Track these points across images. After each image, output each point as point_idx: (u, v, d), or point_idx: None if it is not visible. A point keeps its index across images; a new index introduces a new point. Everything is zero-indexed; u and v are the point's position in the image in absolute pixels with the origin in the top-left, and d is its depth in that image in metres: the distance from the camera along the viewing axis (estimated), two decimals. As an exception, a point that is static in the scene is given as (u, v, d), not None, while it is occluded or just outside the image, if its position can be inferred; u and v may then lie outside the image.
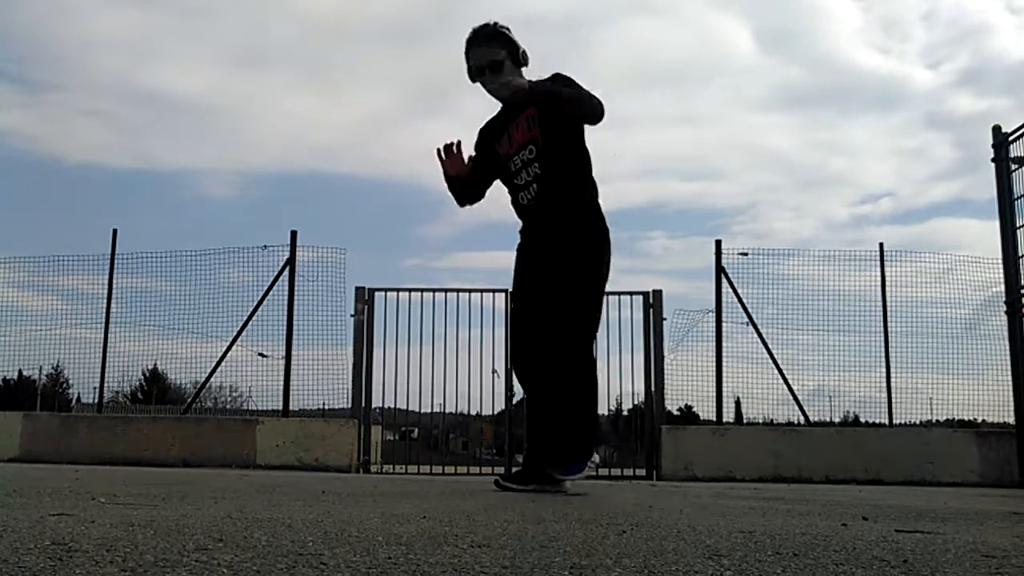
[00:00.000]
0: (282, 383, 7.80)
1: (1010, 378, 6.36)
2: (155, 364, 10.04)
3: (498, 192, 3.59)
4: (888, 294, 8.01)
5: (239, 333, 7.96)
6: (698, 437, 7.53)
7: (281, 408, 7.78)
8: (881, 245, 8.14)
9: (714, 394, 7.84)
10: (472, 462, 9.83)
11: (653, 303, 7.69)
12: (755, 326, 7.87)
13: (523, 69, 3.42)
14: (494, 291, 7.72)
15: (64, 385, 13.03)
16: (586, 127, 3.39)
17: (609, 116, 3.35)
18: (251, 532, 1.49)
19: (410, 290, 7.81)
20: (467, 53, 3.39)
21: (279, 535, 1.45)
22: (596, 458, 3.29)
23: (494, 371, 7.55)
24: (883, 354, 7.91)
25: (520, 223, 3.53)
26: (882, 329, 7.97)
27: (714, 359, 7.88)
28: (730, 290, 7.94)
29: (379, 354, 7.68)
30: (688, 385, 7.88)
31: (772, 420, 8.25)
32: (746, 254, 8.09)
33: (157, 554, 1.19)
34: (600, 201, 3.43)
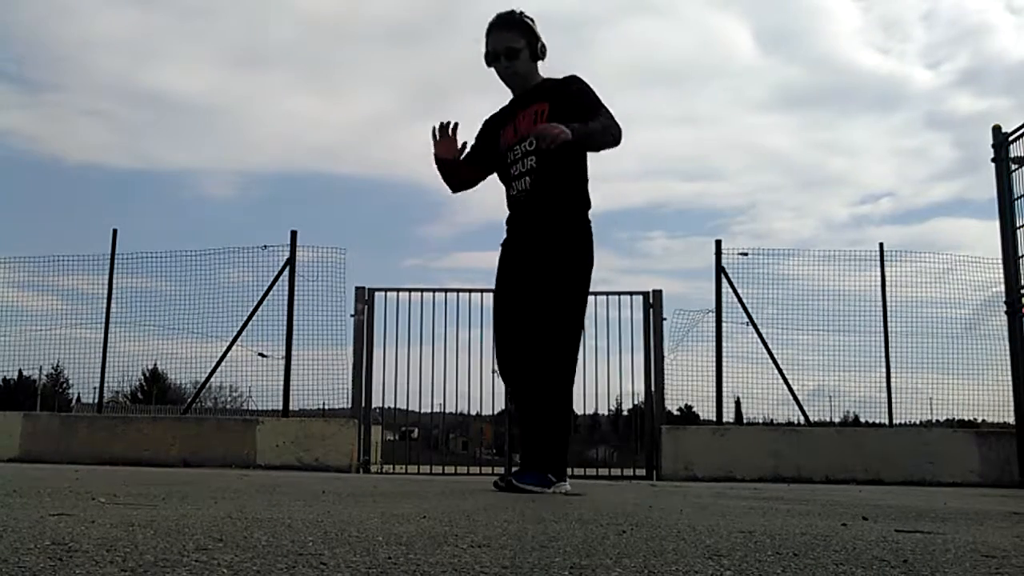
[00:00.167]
0: (282, 383, 7.81)
1: (1010, 378, 6.36)
2: (155, 364, 10.05)
3: (499, 193, 3.58)
4: (888, 294, 8.01)
5: (239, 333, 7.97)
6: (698, 437, 7.53)
7: (281, 408, 7.79)
8: (881, 245, 8.16)
9: (714, 394, 7.84)
10: (472, 462, 9.85)
11: (653, 303, 7.69)
12: (755, 326, 7.88)
13: (540, 64, 3.42)
14: (494, 291, 7.71)
15: (64, 385, 13.04)
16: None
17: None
18: (251, 532, 1.49)
19: (410, 290, 7.81)
20: (487, 36, 3.38)
21: (279, 535, 1.45)
22: (567, 486, 3.23)
23: (494, 371, 7.54)
24: (883, 354, 7.92)
25: (508, 215, 3.50)
26: (882, 329, 7.97)
27: (714, 359, 7.88)
28: (730, 290, 7.95)
29: (379, 354, 7.70)
30: (688, 385, 7.89)
31: (772, 420, 8.26)
32: (746, 254, 8.09)
33: (157, 554, 1.19)
34: (591, 212, 3.39)
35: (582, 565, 1.20)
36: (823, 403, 8.56)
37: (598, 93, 3.35)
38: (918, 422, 8.01)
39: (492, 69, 3.42)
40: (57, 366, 10.10)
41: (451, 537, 1.49)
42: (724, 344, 7.88)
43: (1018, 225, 6.35)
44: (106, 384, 8.30)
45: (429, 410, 8.28)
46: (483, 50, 3.40)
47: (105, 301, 8.27)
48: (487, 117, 3.59)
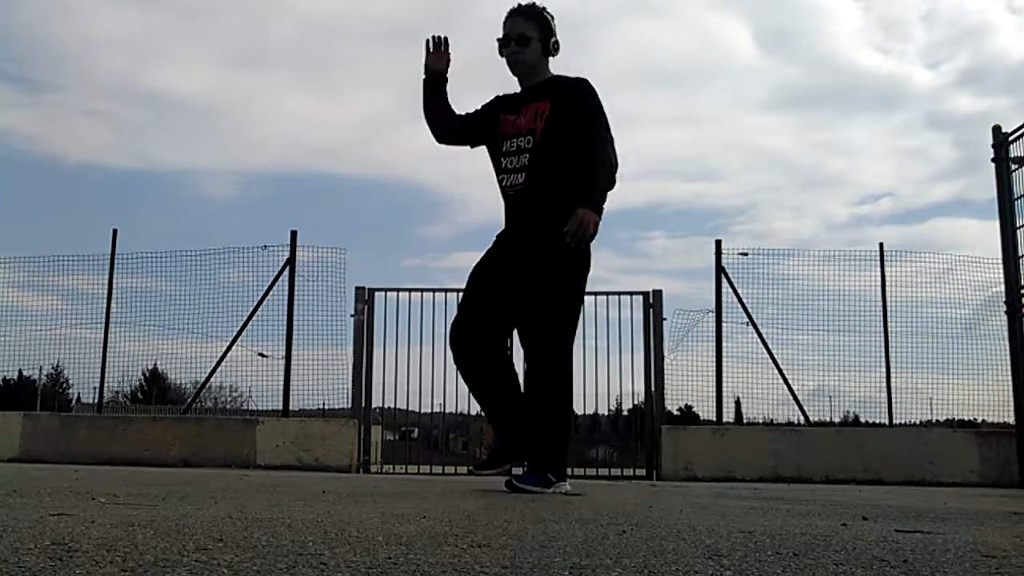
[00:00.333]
0: (282, 383, 7.80)
1: (1010, 378, 6.36)
2: (155, 364, 10.06)
3: (498, 193, 3.55)
4: (888, 294, 8.00)
5: (239, 333, 7.96)
6: (698, 437, 7.53)
7: (281, 408, 7.78)
8: (881, 245, 8.15)
9: (714, 394, 7.84)
10: (472, 462, 9.82)
11: (653, 303, 7.69)
12: (755, 326, 7.87)
13: (550, 59, 3.43)
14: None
15: (64, 385, 13.05)
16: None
17: (610, 116, 3.36)
18: (251, 532, 1.49)
19: (410, 290, 7.80)
20: (504, 23, 3.41)
21: (279, 535, 1.45)
22: (567, 486, 3.23)
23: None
24: (883, 354, 7.91)
25: (504, 208, 3.48)
26: (882, 329, 7.97)
27: (714, 359, 7.88)
28: (730, 290, 7.94)
29: (379, 354, 7.68)
30: (688, 385, 7.88)
31: (772, 420, 8.26)
32: (746, 254, 8.09)
33: (157, 554, 1.19)
34: None
35: (582, 565, 1.20)
36: (823, 403, 8.57)
37: (603, 102, 3.35)
38: (918, 422, 8.01)
39: (503, 59, 3.42)
40: (57, 366, 10.11)
41: (451, 537, 1.49)
42: (724, 344, 7.88)
43: (1018, 225, 6.35)
44: (106, 384, 8.31)
45: (429, 410, 8.29)
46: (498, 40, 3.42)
47: (105, 301, 8.27)
48: (500, 94, 3.57)
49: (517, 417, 3.30)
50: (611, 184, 3.32)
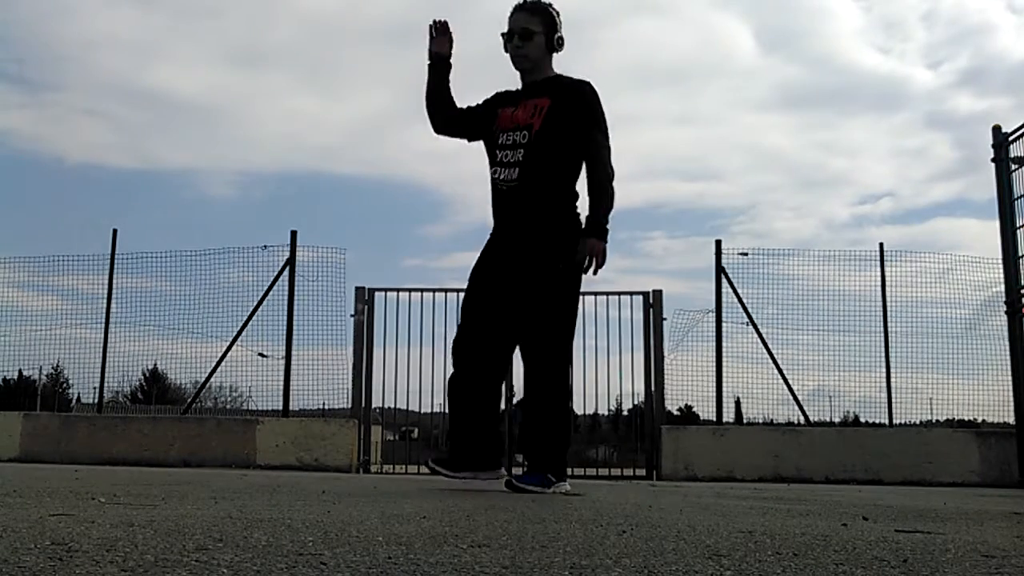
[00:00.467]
0: (282, 383, 7.81)
1: (1010, 378, 6.36)
2: (155, 364, 10.08)
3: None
4: (888, 294, 8.01)
5: (239, 333, 7.97)
6: (698, 437, 7.53)
7: (281, 408, 7.79)
8: (881, 245, 8.16)
9: (714, 394, 7.84)
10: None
11: (653, 303, 7.69)
12: (755, 326, 7.87)
13: (554, 55, 3.43)
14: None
15: (64, 385, 13.07)
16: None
17: (610, 116, 3.36)
18: (251, 532, 1.49)
19: (410, 290, 7.81)
20: (510, 17, 3.41)
21: (279, 535, 1.45)
22: (567, 486, 3.24)
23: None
24: (883, 354, 7.92)
25: (492, 205, 3.49)
26: (882, 329, 7.97)
27: (714, 359, 7.88)
28: (730, 290, 7.95)
29: (379, 354, 7.70)
30: (688, 385, 7.89)
31: (772, 420, 8.26)
32: (746, 254, 8.09)
33: (157, 554, 1.19)
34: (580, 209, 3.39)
35: (582, 565, 1.20)
36: (823, 403, 8.58)
37: (604, 105, 3.36)
38: (918, 422, 8.02)
39: (506, 55, 3.42)
40: (57, 366, 10.12)
41: (451, 537, 1.49)
42: (724, 344, 7.89)
43: (1018, 225, 6.35)
44: (106, 384, 8.32)
45: (429, 410, 8.29)
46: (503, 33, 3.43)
47: (105, 301, 8.28)
48: (500, 91, 3.57)
49: (489, 433, 3.37)
50: (612, 204, 3.33)
